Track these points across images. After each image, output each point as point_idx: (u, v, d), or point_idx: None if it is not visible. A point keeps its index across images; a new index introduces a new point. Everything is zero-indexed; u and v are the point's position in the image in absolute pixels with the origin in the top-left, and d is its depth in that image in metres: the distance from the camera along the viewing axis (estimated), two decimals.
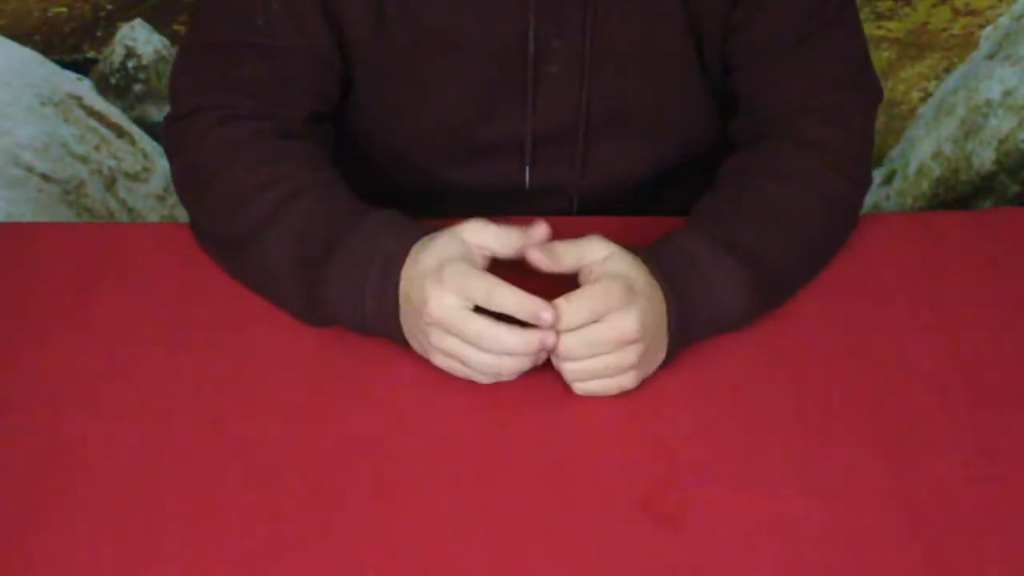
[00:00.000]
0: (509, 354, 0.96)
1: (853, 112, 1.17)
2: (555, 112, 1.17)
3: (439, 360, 0.99)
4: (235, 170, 1.09)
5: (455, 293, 0.96)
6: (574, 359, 0.98)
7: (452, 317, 0.96)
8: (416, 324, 0.99)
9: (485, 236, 1.00)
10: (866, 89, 1.20)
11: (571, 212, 1.24)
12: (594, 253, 1.00)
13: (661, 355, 1.01)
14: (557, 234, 1.14)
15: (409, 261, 0.99)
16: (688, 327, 1.02)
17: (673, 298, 1.00)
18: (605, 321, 0.96)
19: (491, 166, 1.20)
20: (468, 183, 1.21)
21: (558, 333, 0.96)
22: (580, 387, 0.99)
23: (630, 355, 0.97)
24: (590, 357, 0.97)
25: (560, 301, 0.96)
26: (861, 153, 1.18)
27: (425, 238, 1.00)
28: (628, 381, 0.99)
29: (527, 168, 1.20)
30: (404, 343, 1.01)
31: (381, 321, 1.01)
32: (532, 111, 1.17)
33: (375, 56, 1.15)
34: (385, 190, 1.22)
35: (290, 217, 1.05)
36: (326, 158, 1.13)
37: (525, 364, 0.98)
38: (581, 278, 1.00)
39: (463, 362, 0.98)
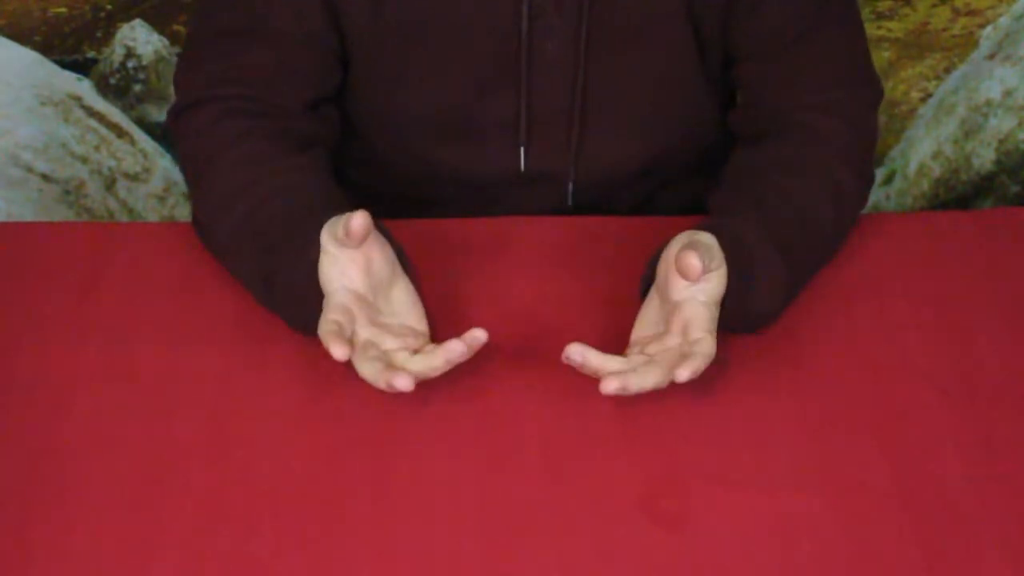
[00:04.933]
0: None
1: (857, 108, 1.18)
2: (550, 89, 1.17)
3: None
4: (220, 169, 1.09)
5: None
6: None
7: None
8: None
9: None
10: (868, 87, 1.20)
11: (566, 202, 1.23)
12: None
13: None
14: (555, 232, 1.15)
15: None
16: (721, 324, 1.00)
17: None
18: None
19: (487, 147, 1.20)
20: (464, 166, 1.21)
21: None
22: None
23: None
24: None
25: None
26: (867, 148, 1.18)
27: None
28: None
29: (522, 149, 1.20)
30: None
31: None
32: (527, 88, 1.16)
33: (371, 35, 1.15)
34: (382, 176, 1.23)
35: (251, 230, 1.05)
36: (310, 155, 1.12)
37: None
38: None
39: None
